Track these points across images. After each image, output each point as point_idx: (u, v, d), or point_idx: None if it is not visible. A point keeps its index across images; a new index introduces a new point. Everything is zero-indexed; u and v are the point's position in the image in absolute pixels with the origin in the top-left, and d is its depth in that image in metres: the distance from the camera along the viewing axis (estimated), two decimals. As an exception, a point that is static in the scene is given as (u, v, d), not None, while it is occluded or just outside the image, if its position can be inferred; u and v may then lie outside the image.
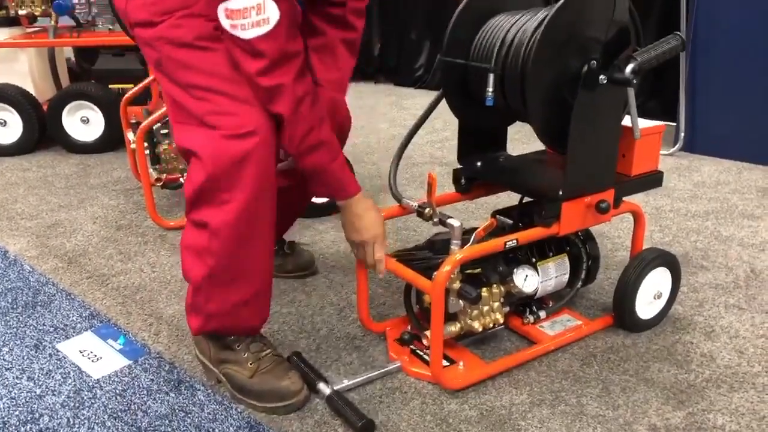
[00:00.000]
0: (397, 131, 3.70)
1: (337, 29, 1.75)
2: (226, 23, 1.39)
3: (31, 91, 3.43)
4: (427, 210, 1.65)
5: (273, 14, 1.36)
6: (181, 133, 1.50)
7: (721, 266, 2.17)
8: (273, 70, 1.40)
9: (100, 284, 2.10)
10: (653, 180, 1.78)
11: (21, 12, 3.46)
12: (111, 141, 3.36)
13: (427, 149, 3.40)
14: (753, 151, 3.10)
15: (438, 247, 1.72)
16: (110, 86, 3.35)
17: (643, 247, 1.85)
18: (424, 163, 3.21)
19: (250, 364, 1.55)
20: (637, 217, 1.82)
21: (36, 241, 2.41)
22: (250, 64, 1.40)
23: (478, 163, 1.85)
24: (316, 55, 1.74)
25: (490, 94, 1.60)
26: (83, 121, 3.34)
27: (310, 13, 1.74)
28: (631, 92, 1.54)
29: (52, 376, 1.64)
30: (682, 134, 3.24)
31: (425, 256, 1.70)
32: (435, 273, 1.50)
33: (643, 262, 1.76)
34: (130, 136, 2.68)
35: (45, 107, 3.38)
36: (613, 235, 2.39)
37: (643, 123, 1.72)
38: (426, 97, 4.58)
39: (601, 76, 1.50)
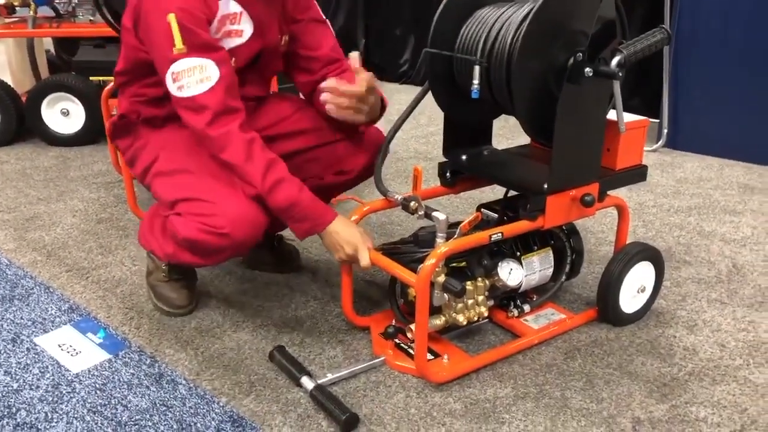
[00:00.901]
0: (382, 126, 3.69)
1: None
2: (173, 87, 1.54)
3: (9, 82, 3.37)
4: (412, 203, 1.64)
5: (213, 74, 1.53)
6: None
7: (703, 261, 2.18)
8: (218, 120, 1.54)
9: (80, 277, 2.06)
10: (637, 174, 1.79)
11: (-1, 1, 3.40)
12: (91, 134, 3.30)
13: (412, 144, 3.39)
14: (734, 147, 3.13)
15: (423, 241, 1.71)
16: (91, 78, 3.29)
17: (627, 242, 1.85)
18: (409, 158, 3.20)
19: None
20: (622, 211, 1.83)
21: (14, 234, 2.37)
22: (196, 118, 1.54)
23: (463, 157, 1.84)
24: (300, 41, 1.82)
25: (476, 86, 1.59)
26: (63, 114, 3.29)
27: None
28: (616, 85, 1.55)
29: (30, 370, 1.61)
30: (665, 131, 3.26)
31: (410, 250, 1.69)
32: (420, 266, 1.49)
33: (627, 255, 1.77)
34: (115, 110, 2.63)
35: (24, 99, 3.32)
36: (597, 230, 2.40)
37: (628, 117, 1.72)
38: (411, 92, 4.54)
39: (587, 69, 1.49)
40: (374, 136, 1.92)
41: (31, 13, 3.30)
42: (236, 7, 1.64)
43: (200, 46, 1.52)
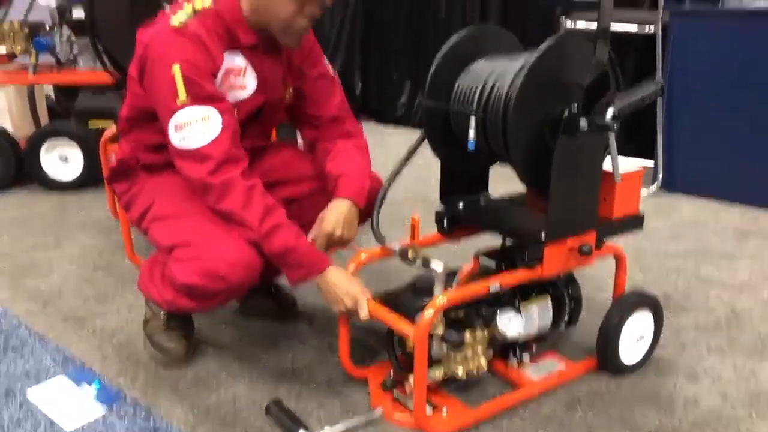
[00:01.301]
0: (379, 170, 3.71)
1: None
2: (176, 138, 1.55)
3: (9, 128, 3.40)
4: (410, 253, 1.64)
5: (217, 123, 1.54)
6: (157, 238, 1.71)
7: (702, 307, 2.17)
8: (220, 168, 1.54)
9: (76, 327, 2.05)
10: (634, 223, 1.79)
11: (0, 49, 3.44)
12: (90, 179, 3.32)
13: (409, 186, 3.39)
14: (729, 189, 3.15)
15: (420, 289, 1.70)
16: (90, 124, 3.32)
17: (625, 289, 1.85)
18: (406, 200, 3.21)
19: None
20: (619, 259, 1.83)
21: (10, 282, 2.36)
22: (198, 168, 1.55)
23: (460, 205, 1.85)
24: (306, 97, 1.84)
25: (472, 138, 1.61)
26: (62, 159, 3.30)
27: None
28: (612, 137, 1.56)
29: (23, 426, 1.58)
30: (660, 174, 3.28)
31: (408, 300, 1.68)
32: (418, 317, 1.48)
33: (625, 305, 1.76)
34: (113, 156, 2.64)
35: (23, 145, 3.34)
36: (595, 275, 2.39)
37: (624, 165, 1.73)
38: (408, 134, 4.61)
39: (582, 122, 1.51)
40: (372, 181, 1.93)
41: (32, 60, 3.34)
42: (241, 62, 1.66)
43: (204, 97, 1.54)
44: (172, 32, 1.55)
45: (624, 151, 3.67)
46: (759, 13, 3.01)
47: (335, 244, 1.72)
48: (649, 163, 3.40)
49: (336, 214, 1.71)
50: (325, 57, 1.89)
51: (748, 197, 3.10)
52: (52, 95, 3.92)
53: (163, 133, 1.58)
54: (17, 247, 2.67)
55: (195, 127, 1.53)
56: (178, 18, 1.57)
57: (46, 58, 3.51)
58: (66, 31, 3.42)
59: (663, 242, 2.71)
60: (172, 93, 1.52)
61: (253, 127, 1.79)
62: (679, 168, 3.28)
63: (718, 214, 3.04)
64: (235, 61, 1.65)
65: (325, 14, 5.12)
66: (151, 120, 1.64)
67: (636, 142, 3.72)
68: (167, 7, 2.31)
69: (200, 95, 1.54)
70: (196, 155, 1.54)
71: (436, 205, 1.82)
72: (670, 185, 3.31)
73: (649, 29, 3.17)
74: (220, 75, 1.62)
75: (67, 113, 3.56)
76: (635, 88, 1.59)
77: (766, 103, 2.99)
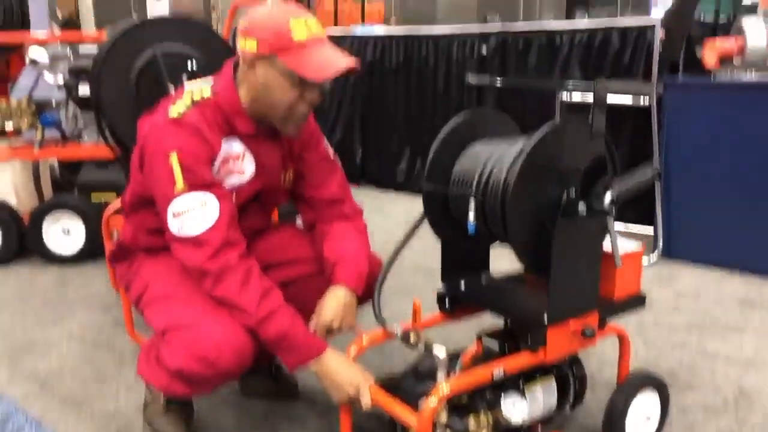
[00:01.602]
0: (380, 237, 3.71)
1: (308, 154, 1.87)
2: (174, 225, 1.56)
3: (13, 202, 3.43)
4: (412, 337, 1.63)
5: (214, 210, 1.56)
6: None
7: (708, 385, 2.14)
8: (218, 254, 1.55)
9: (74, 410, 2.02)
10: (636, 303, 1.79)
11: (8, 125, 3.50)
12: (91, 252, 3.32)
13: (410, 257, 3.39)
14: (730, 258, 3.15)
15: (423, 373, 1.69)
16: (93, 197, 3.35)
17: (630, 369, 1.83)
18: (407, 271, 3.21)
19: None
20: (623, 340, 1.82)
21: (8, 363, 2.33)
22: (196, 255, 1.56)
23: (462, 284, 1.85)
24: (306, 179, 1.86)
25: (471, 221, 1.62)
26: (64, 232, 3.32)
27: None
28: (610, 221, 1.57)
29: None
30: (660, 242, 3.29)
31: (410, 385, 1.66)
32: (420, 405, 1.46)
33: (630, 387, 1.75)
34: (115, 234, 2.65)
35: (26, 218, 3.36)
36: (599, 351, 2.37)
37: (623, 246, 1.74)
38: (408, 200, 4.64)
39: (581, 206, 1.53)
40: (372, 262, 1.93)
41: (38, 136, 3.40)
42: (239, 148, 1.69)
43: (201, 184, 1.56)
44: (170, 123, 1.59)
45: (624, 216, 3.73)
46: (749, 87, 3.07)
47: (334, 332, 1.72)
48: (649, 229, 3.42)
49: (334, 302, 1.71)
50: (325, 138, 1.92)
51: (749, 266, 3.10)
52: (57, 167, 3.96)
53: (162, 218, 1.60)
54: (17, 325, 2.65)
55: (192, 214, 1.54)
56: (177, 108, 1.61)
57: (51, 132, 3.56)
58: (72, 106, 3.49)
59: (666, 314, 2.70)
60: (170, 181, 1.55)
61: (252, 209, 1.81)
62: (679, 236, 3.29)
63: (720, 284, 3.04)
64: (233, 147, 1.68)
65: (325, 99, 5.27)
66: (151, 205, 1.66)
67: (635, 207, 3.74)
68: (171, 88, 2.38)
69: (197, 183, 1.56)
70: (194, 242, 1.55)
71: (437, 274, 1.82)
72: (670, 253, 3.31)
73: (644, 100, 3.24)
74: (218, 162, 1.64)
75: (70, 186, 3.60)
76: (632, 172, 1.62)
77: (761, 171, 3.02)
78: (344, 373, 1.57)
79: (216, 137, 1.63)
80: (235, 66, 1.67)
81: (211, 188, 1.58)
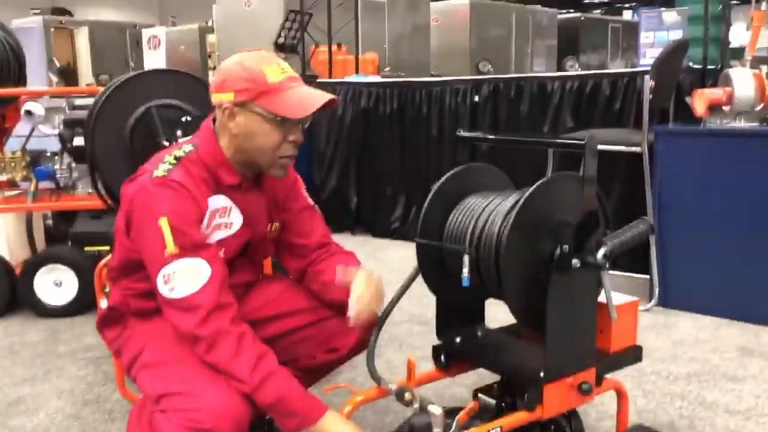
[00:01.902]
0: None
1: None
2: (164, 289, 1.55)
3: (5, 254, 3.40)
4: (406, 395, 1.61)
5: (205, 272, 1.55)
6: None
7: (709, 437, 2.11)
8: (209, 319, 1.52)
9: (60, 472, 1.97)
10: (633, 356, 1.77)
11: (2, 178, 3.51)
12: (83, 305, 3.29)
13: (405, 307, 3.36)
14: (727, 306, 3.13)
15: (419, 430, 1.66)
16: (86, 249, 3.33)
17: (629, 422, 1.80)
18: (402, 322, 3.18)
19: None
20: (620, 395, 1.79)
21: (-5, 421, 2.29)
22: (187, 319, 1.53)
23: (457, 339, 1.82)
24: (291, 229, 1.87)
25: (466, 275, 1.61)
26: (56, 284, 3.29)
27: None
28: (605, 275, 1.57)
29: None
30: (657, 290, 3.28)
31: (406, 444, 1.63)
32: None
33: (630, 443, 1.71)
34: (103, 303, 2.62)
35: (18, 270, 3.34)
36: (597, 402, 2.33)
37: (617, 298, 1.73)
38: (403, 248, 4.63)
39: (574, 260, 1.53)
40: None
41: (32, 188, 3.40)
42: (226, 202, 1.69)
43: (192, 246, 1.55)
44: (156, 184, 1.58)
45: (619, 264, 3.72)
46: (739, 134, 3.11)
47: (367, 309, 1.71)
48: (646, 277, 3.41)
49: (363, 283, 1.71)
50: (304, 188, 1.95)
51: (745, 313, 3.09)
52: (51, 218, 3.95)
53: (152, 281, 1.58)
54: (5, 381, 2.60)
55: (183, 278, 1.53)
56: (162, 168, 1.60)
57: (46, 182, 3.57)
58: (66, 158, 3.50)
59: (664, 363, 2.67)
60: (161, 245, 1.53)
61: (241, 262, 1.80)
62: (675, 284, 3.28)
63: (718, 331, 3.01)
64: (219, 201, 1.67)
65: (319, 135, 5.26)
66: (140, 269, 1.65)
67: (631, 256, 3.74)
68: (164, 142, 2.39)
69: (188, 245, 1.54)
70: (185, 305, 1.53)
71: (432, 325, 1.80)
72: (667, 301, 3.29)
73: (636, 147, 3.26)
74: (205, 219, 1.64)
75: (64, 237, 3.59)
76: (626, 228, 1.62)
77: (752, 219, 3.03)
78: None
79: (203, 195, 1.63)
80: (214, 120, 1.69)
81: (201, 251, 1.57)
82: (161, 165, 1.61)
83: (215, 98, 1.63)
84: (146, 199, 1.57)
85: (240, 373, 1.52)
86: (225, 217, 1.69)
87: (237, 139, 1.64)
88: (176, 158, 1.63)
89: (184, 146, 1.68)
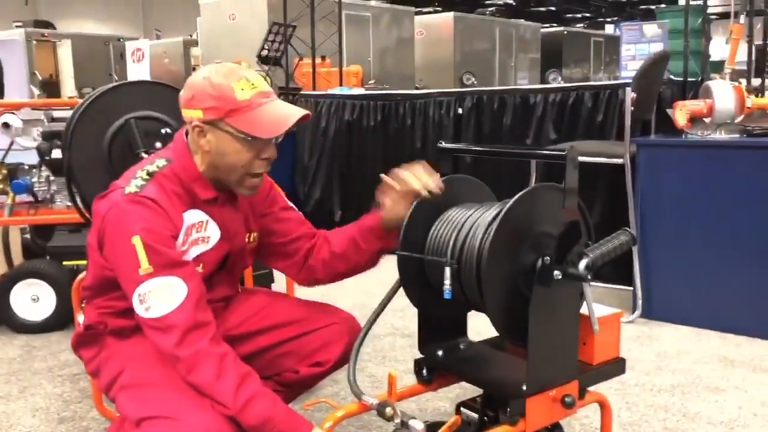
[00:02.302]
0: (359, 299, 3.67)
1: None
2: (140, 308, 1.51)
3: (-19, 269, 3.34)
4: (387, 410, 1.58)
5: (181, 291, 1.50)
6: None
7: (693, 449, 2.10)
8: (186, 338, 1.48)
9: (34, 492, 1.91)
10: (616, 368, 1.76)
11: (-22, 190, 3.45)
12: (60, 320, 3.23)
13: (388, 319, 3.35)
14: (709, 316, 3.14)
15: (401, 447, 1.63)
16: (64, 263, 3.28)
17: (613, 436, 1.78)
18: (386, 335, 3.15)
19: None
20: (604, 407, 1.78)
21: (-33, 441, 2.23)
22: (165, 339, 1.49)
23: (439, 353, 1.80)
24: (274, 231, 1.85)
25: (447, 287, 1.60)
26: (33, 300, 3.23)
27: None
28: (586, 287, 1.56)
29: None
30: (640, 302, 3.28)
31: (387, 459, 1.61)
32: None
33: (614, 456, 1.69)
34: (80, 318, 2.58)
35: (-6, 286, 3.27)
36: (580, 415, 2.32)
37: (600, 310, 1.71)
38: (387, 261, 4.61)
39: (556, 272, 1.51)
40: (348, 323, 1.90)
41: (10, 201, 3.35)
42: (202, 216, 1.66)
43: (167, 264, 1.51)
44: (129, 201, 1.53)
45: (602, 276, 3.72)
46: (720, 145, 3.13)
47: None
48: (629, 288, 3.41)
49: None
50: (281, 192, 1.93)
51: (727, 324, 3.09)
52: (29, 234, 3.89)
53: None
54: (-21, 398, 2.54)
55: (159, 297, 1.49)
56: (134, 184, 1.56)
57: (23, 195, 3.51)
58: (45, 171, 3.45)
59: (648, 375, 2.66)
60: (135, 264, 1.49)
61: (220, 277, 1.78)
62: (657, 295, 3.28)
63: (701, 342, 3.02)
64: (195, 216, 1.65)
65: (303, 147, 5.23)
66: (116, 287, 1.60)
67: (615, 265, 3.74)
68: (143, 154, 2.36)
69: (163, 263, 1.50)
70: (161, 324, 1.49)
71: (415, 338, 1.78)
72: (650, 312, 3.29)
73: (618, 159, 3.27)
74: (182, 234, 1.60)
75: (42, 251, 3.53)
76: (608, 239, 1.61)
77: (733, 229, 3.04)
78: None
79: (177, 211, 1.60)
80: (187, 132, 1.66)
81: (177, 268, 1.52)
82: (133, 181, 1.58)
83: (185, 114, 1.60)
84: (118, 216, 1.53)
85: (223, 397, 1.48)
86: (202, 232, 1.66)
87: (209, 156, 1.61)
88: (149, 173, 1.59)
89: (157, 160, 1.64)
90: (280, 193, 1.90)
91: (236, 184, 1.65)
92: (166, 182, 1.60)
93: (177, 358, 1.49)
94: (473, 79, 5.24)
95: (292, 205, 1.92)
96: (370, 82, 6.61)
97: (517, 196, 1.53)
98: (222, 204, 1.70)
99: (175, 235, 1.58)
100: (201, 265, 1.66)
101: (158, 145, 2.35)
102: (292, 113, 1.59)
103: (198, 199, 1.64)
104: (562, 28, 6.97)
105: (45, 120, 3.59)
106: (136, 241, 1.49)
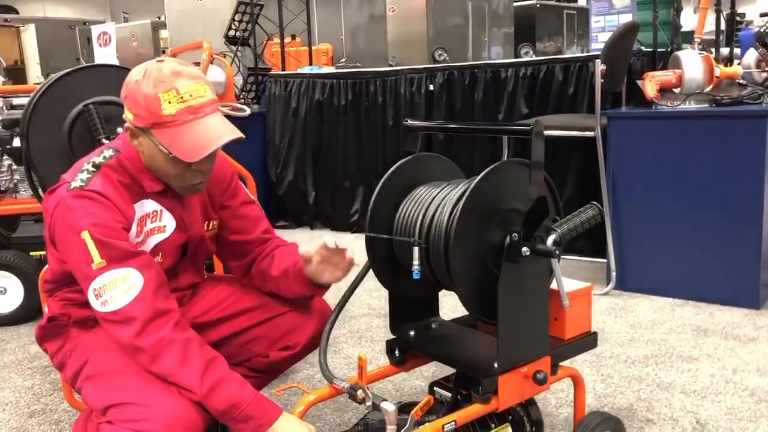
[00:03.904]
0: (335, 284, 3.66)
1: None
2: (97, 304, 1.47)
3: (-56, 262, 3.25)
4: (359, 393, 1.56)
5: (138, 281, 1.46)
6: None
7: (666, 418, 2.12)
8: (147, 328, 1.45)
9: (3, 489, 1.88)
10: (588, 342, 1.76)
11: (-61, 181, 3.36)
12: (29, 311, 3.17)
13: (363, 299, 3.34)
14: (682, 286, 3.16)
15: (374, 429, 1.62)
16: (31, 254, 3.21)
17: (586, 409, 1.79)
18: (362, 316, 3.14)
19: None
20: (576, 381, 1.78)
21: (-66, 438, 2.18)
22: (125, 331, 1.46)
23: (411, 333, 1.79)
24: (230, 227, 1.81)
25: (416, 267, 1.58)
26: (0, 292, 3.16)
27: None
28: (555, 263, 1.54)
29: None
30: (614, 274, 3.29)
31: (360, 442, 1.59)
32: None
33: (586, 430, 1.70)
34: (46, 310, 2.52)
35: (-42, 279, 3.19)
36: (556, 389, 2.33)
37: (570, 285, 1.71)
38: (363, 242, 4.59)
39: (524, 248, 1.50)
40: (318, 306, 1.87)
41: (-29, 192, 3.26)
42: (154, 206, 1.62)
43: (119, 256, 1.47)
44: (74, 196, 1.49)
45: (575, 248, 3.73)
46: (689, 116, 3.13)
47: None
48: (604, 260, 3.42)
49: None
50: (243, 186, 1.88)
51: (699, 294, 3.12)
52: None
53: None
54: (-54, 395, 2.49)
55: (115, 290, 1.45)
56: (80, 178, 1.51)
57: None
58: (6, 160, 3.36)
59: (622, 347, 2.68)
60: (87, 259, 1.45)
61: (184, 265, 1.75)
62: (631, 267, 3.30)
63: (674, 312, 3.04)
64: (147, 206, 1.61)
65: (274, 128, 5.16)
66: (75, 280, 1.56)
67: (589, 238, 3.76)
68: (104, 140, 2.30)
69: (115, 256, 1.47)
70: (119, 317, 1.46)
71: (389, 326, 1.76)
72: (624, 284, 3.31)
73: (589, 132, 3.26)
74: (134, 225, 1.56)
75: (7, 242, 3.45)
76: (575, 213, 1.59)
77: (704, 200, 3.06)
78: None
79: (126, 202, 1.55)
80: None
81: (130, 259, 1.48)
82: (79, 175, 1.53)
83: (125, 108, 1.54)
84: (65, 213, 1.49)
85: (188, 382, 1.45)
86: (157, 221, 1.63)
87: (144, 157, 1.57)
88: (95, 166, 1.55)
89: (105, 151, 1.60)
90: (241, 186, 1.85)
91: (176, 188, 1.61)
92: (113, 173, 1.55)
93: (139, 349, 1.46)
94: (445, 55, 5.18)
95: (254, 200, 1.88)
96: (341, 60, 6.51)
97: (483, 173, 1.51)
98: (173, 195, 1.65)
99: (127, 227, 1.54)
100: (160, 254, 1.63)
101: (119, 130, 2.29)
102: (219, 135, 1.50)
103: (147, 191, 1.60)
104: (534, 2, 6.92)
105: (4, 108, 3.49)
106: (86, 236, 1.45)
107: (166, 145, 1.49)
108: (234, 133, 1.52)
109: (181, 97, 1.47)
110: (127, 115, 1.53)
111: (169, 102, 1.47)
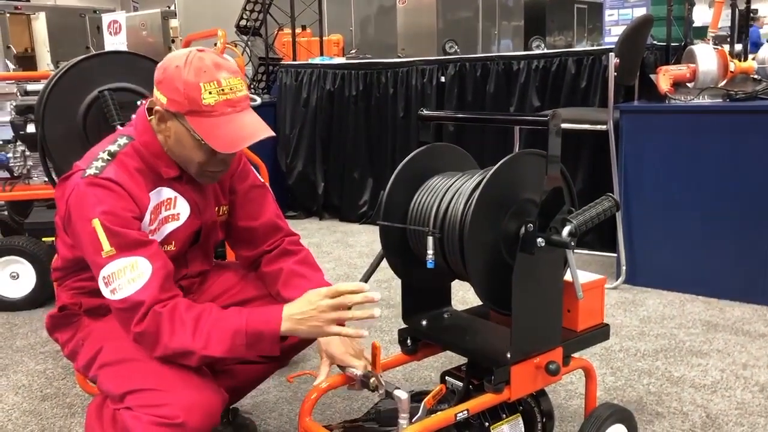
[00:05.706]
0: (342, 271, 3.66)
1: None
2: (106, 291, 1.48)
3: (-42, 246, 3.28)
4: (372, 380, 1.57)
5: (146, 270, 1.48)
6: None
7: (676, 412, 2.12)
8: (148, 315, 1.45)
9: (17, 470, 1.90)
10: (600, 334, 1.76)
11: (-48, 166, 3.38)
12: (42, 296, 3.19)
13: (373, 290, 3.34)
14: (692, 281, 3.16)
15: (385, 416, 1.63)
16: (44, 239, 3.23)
17: (597, 401, 1.79)
18: (371, 306, 3.14)
19: None
20: (588, 373, 1.78)
21: (-52, 420, 2.20)
22: (129, 319, 1.47)
23: (424, 322, 1.80)
24: (239, 212, 1.80)
25: (430, 256, 1.58)
26: (12, 277, 3.19)
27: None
28: (570, 254, 1.55)
29: None
30: (624, 268, 3.29)
31: (372, 429, 1.60)
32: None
33: (597, 420, 1.70)
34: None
35: (-28, 263, 3.22)
36: (566, 381, 2.33)
37: (584, 276, 1.71)
38: (372, 232, 4.59)
39: (539, 239, 1.50)
40: None
41: (-16, 177, 3.28)
42: (170, 193, 1.63)
43: (129, 245, 1.48)
44: (88, 183, 1.49)
45: (585, 243, 3.73)
46: (703, 110, 3.11)
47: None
48: (613, 255, 3.42)
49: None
50: (254, 169, 1.87)
51: (709, 289, 3.11)
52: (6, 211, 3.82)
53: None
54: (-41, 377, 2.51)
55: (123, 278, 1.46)
56: (95, 166, 1.52)
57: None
58: (20, 146, 3.38)
59: (632, 340, 2.68)
60: (97, 247, 1.46)
61: (194, 252, 1.76)
62: (641, 261, 3.29)
63: (684, 307, 3.04)
64: (163, 194, 1.61)
65: (284, 118, 5.16)
66: (86, 267, 1.56)
67: (599, 234, 3.76)
68: (119, 126, 2.31)
69: (125, 244, 1.47)
70: (127, 304, 1.46)
71: (401, 308, 1.76)
72: (634, 279, 3.31)
73: (601, 125, 3.26)
74: (148, 214, 1.57)
75: (20, 228, 3.47)
76: (591, 204, 1.59)
77: (717, 194, 3.05)
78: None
79: (142, 190, 1.56)
80: (149, 109, 1.61)
81: (140, 248, 1.49)
82: (94, 162, 1.53)
83: (155, 91, 1.54)
84: (78, 200, 1.49)
85: (183, 345, 1.45)
86: (171, 209, 1.63)
87: (168, 141, 1.57)
88: (110, 154, 1.55)
89: (119, 139, 1.60)
90: (251, 169, 1.85)
91: (194, 174, 1.62)
92: (129, 161, 1.56)
93: (141, 335, 1.47)
94: (456, 47, 5.17)
95: (264, 183, 1.86)
96: (351, 51, 6.50)
97: (499, 163, 1.51)
98: (188, 181, 1.65)
99: (139, 216, 1.54)
100: (173, 242, 1.64)
101: (134, 116, 2.30)
102: (254, 132, 1.52)
103: (163, 177, 1.61)
104: (545, -5, 6.91)
105: (18, 93, 3.50)
106: (96, 224, 1.46)
107: (201, 134, 1.49)
108: (268, 131, 1.55)
109: (222, 90, 1.49)
110: (159, 98, 1.53)
111: (210, 93, 1.48)
